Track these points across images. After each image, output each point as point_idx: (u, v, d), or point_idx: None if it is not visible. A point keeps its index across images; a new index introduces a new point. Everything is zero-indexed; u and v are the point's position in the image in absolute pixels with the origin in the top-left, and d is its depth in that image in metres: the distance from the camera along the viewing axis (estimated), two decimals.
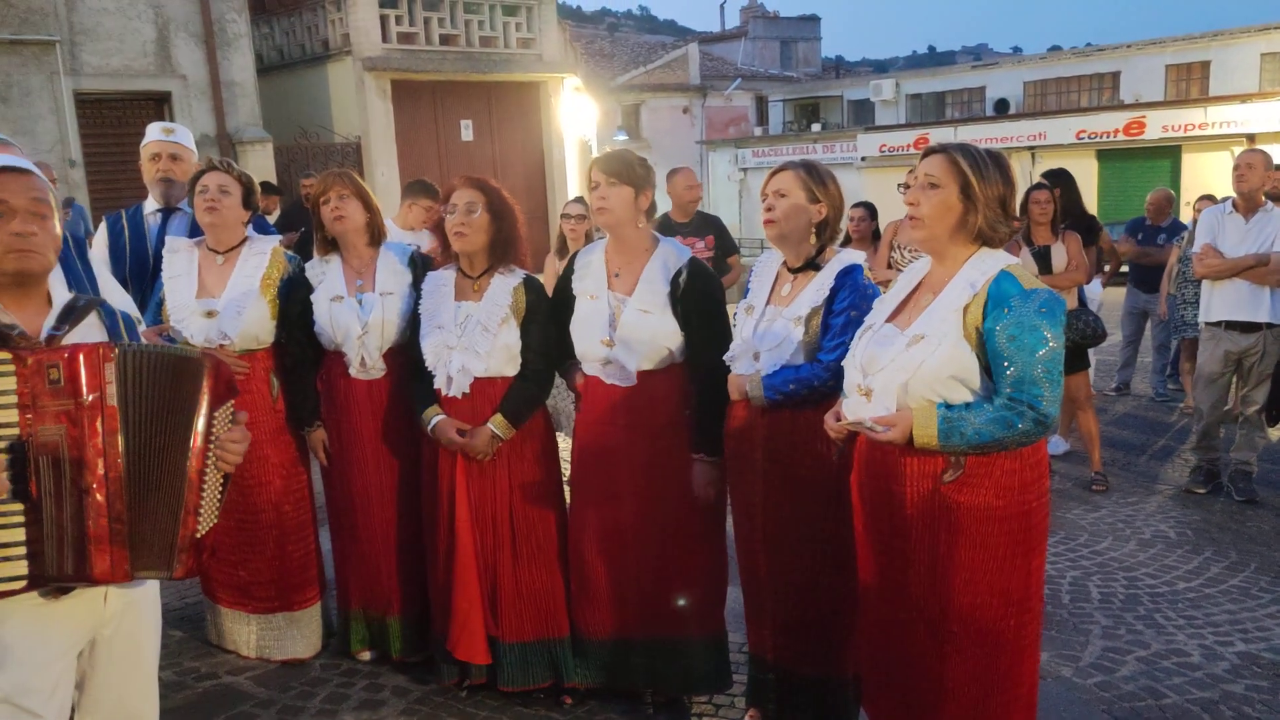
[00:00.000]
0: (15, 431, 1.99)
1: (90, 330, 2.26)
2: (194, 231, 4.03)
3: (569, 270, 3.51)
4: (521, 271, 3.50)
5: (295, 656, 3.94)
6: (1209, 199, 8.40)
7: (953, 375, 2.42)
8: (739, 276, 3.76)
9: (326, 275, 3.71)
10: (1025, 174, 20.65)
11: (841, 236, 3.72)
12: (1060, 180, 6.50)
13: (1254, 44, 23.97)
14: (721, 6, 44.71)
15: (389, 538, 3.75)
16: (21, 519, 2.00)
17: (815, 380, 2.94)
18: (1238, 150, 14.38)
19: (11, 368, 1.99)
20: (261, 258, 3.80)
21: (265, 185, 10.22)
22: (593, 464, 3.39)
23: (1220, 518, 5.45)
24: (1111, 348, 8.90)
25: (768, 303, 3.15)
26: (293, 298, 3.74)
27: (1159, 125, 21.46)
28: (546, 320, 3.45)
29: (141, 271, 4.06)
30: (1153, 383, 8.56)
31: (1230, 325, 5.60)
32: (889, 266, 6.30)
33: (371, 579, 3.80)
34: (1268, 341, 5.51)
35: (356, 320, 3.60)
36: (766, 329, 3.07)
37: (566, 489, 3.59)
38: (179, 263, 3.78)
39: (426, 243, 5.81)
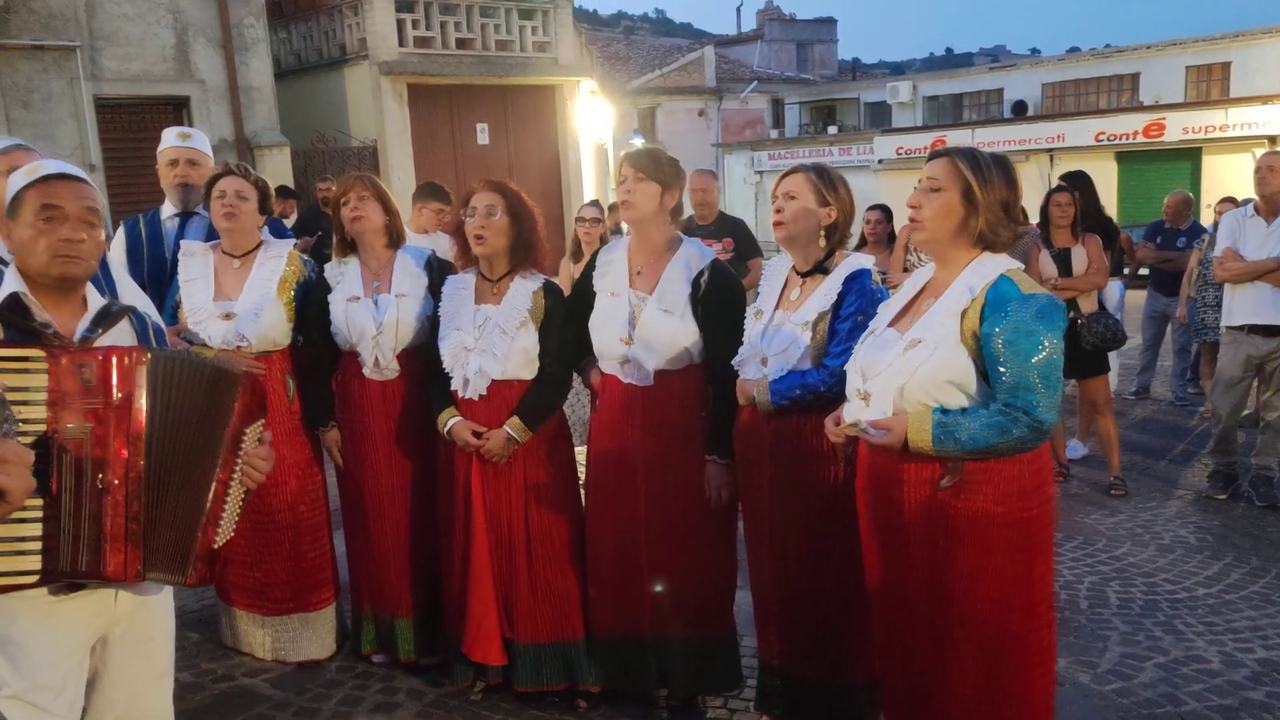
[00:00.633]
0: (42, 428, 2.02)
1: (121, 335, 2.31)
2: (210, 235, 4.06)
3: (590, 267, 3.51)
4: (541, 275, 3.51)
5: (310, 658, 3.95)
6: (1230, 201, 8.33)
7: (949, 380, 2.41)
8: (757, 279, 3.76)
9: (344, 276, 3.73)
10: (1044, 177, 20.55)
11: (855, 240, 3.71)
12: (1079, 183, 6.46)
13: (1275, 45, 23.76)
14: (738, 9, 44.78)
15: (399, 538, 3.76)
16: (39, 514, 2.02)
17: (821, 385, 2.93)
18: (1259, 152, 14.28)
19: (44, 365, 2.03)
20: (278, 261, 3.83)
21: (283, 189, 10.29)
22: (608, 463, 3.39)
23: (1241, 523, 5.40)
24: (1131, 351, 8.83)
25: (776, 307, 3.14)
26: (310, 299, 3.77)
27: (1179, 127, 21.30)
28: (564, 325, 3.45)
29: (159, 275, 4.09)
30: (1172, 386, 8.50)
31: (1252, 329, 5.54)
32: (904, 270, 6.29)
33: (380, 579, 3.82)
34: None
35: (371, 321, 3.62)
36: (774, 334, 3.06)
37: (582, 493, 3.59)
38: (195, 266, 3.81)
39: (442, 245, 5.84)
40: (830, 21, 43.80)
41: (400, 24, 15.57)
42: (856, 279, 3.00)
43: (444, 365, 3.45)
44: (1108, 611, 4.32)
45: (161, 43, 12.97)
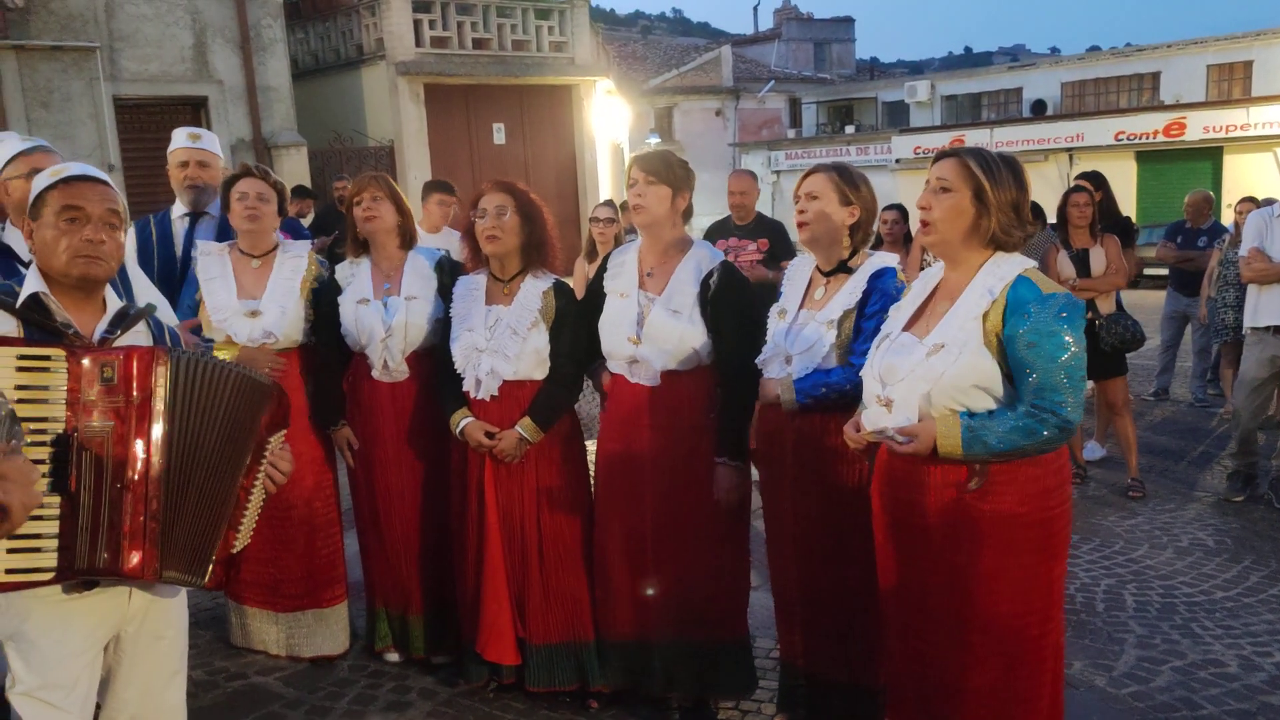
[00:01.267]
0: (61, 426, 2.04)
1: (139, 337, 2.33)
2: (221, 236, 4.08)
3: (602, 269, 3.51)
4: (552, 275, 3.51)
5: (323, 654, 3.97)
6: (1250, 201, 8.25)
7: (975, 384, 2.39)
8: None
9: (355, 277, 3.75)
10: (1063, 177, 20.43)
11: (873, 239, 3.69)
12: (1096, 183, 6.41)
13: None
14: (755, 8, 44.69)
15: (410, 537, 3.77)
16: (57, 511, 2.04)
17: (846, 384, 2.92)
18: None
19: (64, 365, 2.05)
20: (299, 260, 3.89)
21: (300, 189, 10.33)
22: (617, 464, 3.38)
23: (1261, 525, 5.34)
24: (1150, 352, 8.76)
25: (800, 306, 3.13)
26: (322, 300, 3.78)
27: (1200, 126, 21.13)
28: (576, 324, 3.45)
29: (169, 275, 4.11)
30: (1192, 388, 8.42)
31: (1279, 330, 5.48)
32: (921, 269, 6.26)
33: (393, 577, 3.83)
34: None
35: (380, 323, 3.62)
36: (798, 333, 3.05)
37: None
38: (214, 265, 3.83)
39: (455, 244, 5.86)
40: (848, 21, 43.67)
41: (417, 24, 15.63)
42: (881, 278, 3.00)
43: (456, 366, 3.46)
44: (1124, 614, 4.28)
45: (180, 43, 13.06)
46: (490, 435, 3.37)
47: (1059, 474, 2.47)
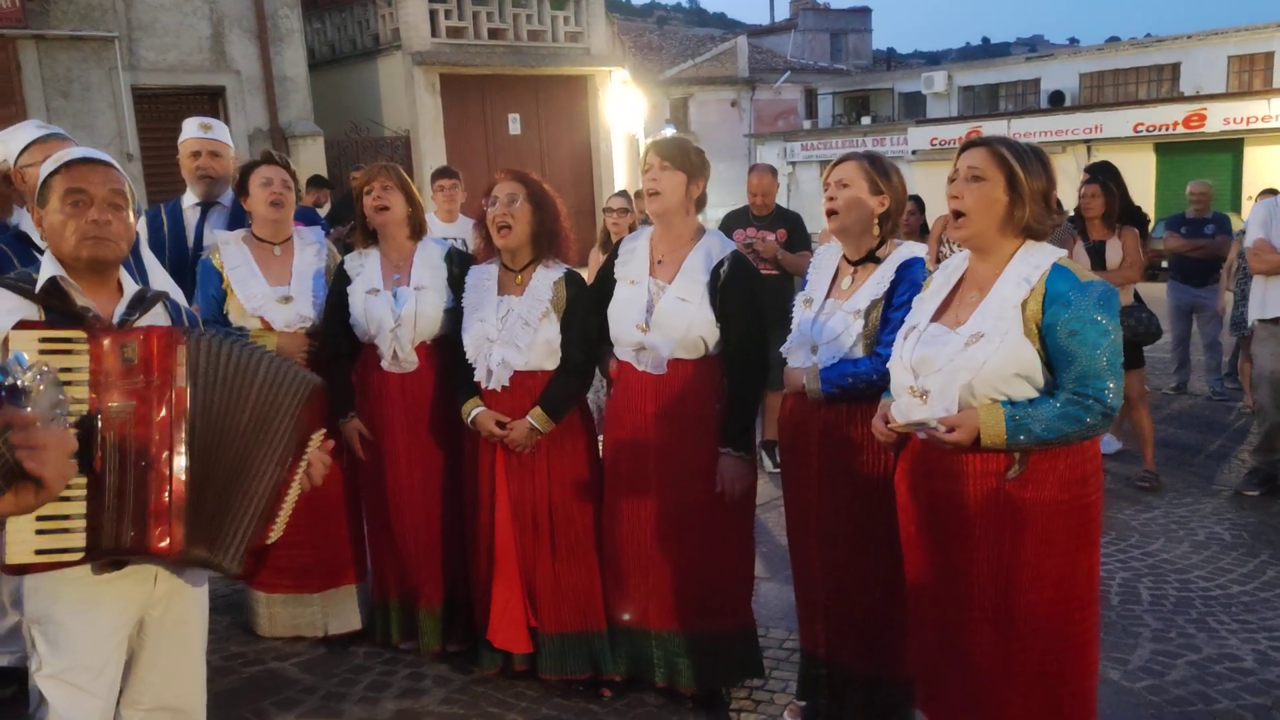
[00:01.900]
0: (85, 408, 2.05)
1: (156, 319, 2.35)
2: (233, 225, 4.10)
3: (613, 255, 3.51)
4: (563, 265, 3.51)
5: (335, 633, 4.01)
6: (1271, 193, 8.18)
7: (1017, 372, 2.38)
8: (802, 269, 3.83)
9: (365, 268, 3.75)
10: (1081, 168, 20.24)
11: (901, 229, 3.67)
12: (1105, 174, 6.38)
13: None
14: None
15: (419, 529, 3.78)
16: (83, 492, 2.05)
17: (873, 374, 2.91)
18: None
19: (85, 347, 2.06)
20: (321, 247, 3.93)
21: (317, 179, 10.36)
22: (622, 451, 3.39)
23: (1279, 520, 5.30)
24: (1164, 345, 8.69)
25: (827, 296, 3.12)
26: (332, 289, 3.80)
27: (1220, 118, 20.92)
28: (587, 315, 3.45)
29: (180, 265, 4.13)
30: (1209, 381, 8.35)
31: None
32: (938, 261, 6.23)
33: (403, 569, 3.84)
34: None
35: (390, 313, 3.63)
36: (825, 322, 3.04)
37: None
38: (236, 254, 3.83)
39: (468, 233, 5.87)
40: (865, 11, 43.42)
41: (433, 14, 15.64)
42: (909, 268, 2.99)
43: (467, 356, 3.46)
44: (1140, 608, 4.27)
45: (198, 33, 13.11)
46: (501, 425, 3.38)
47: (1094, 460, 2.49)
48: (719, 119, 30.82)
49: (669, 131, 21.23)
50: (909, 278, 2.96)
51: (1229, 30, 25.41)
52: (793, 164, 29.44)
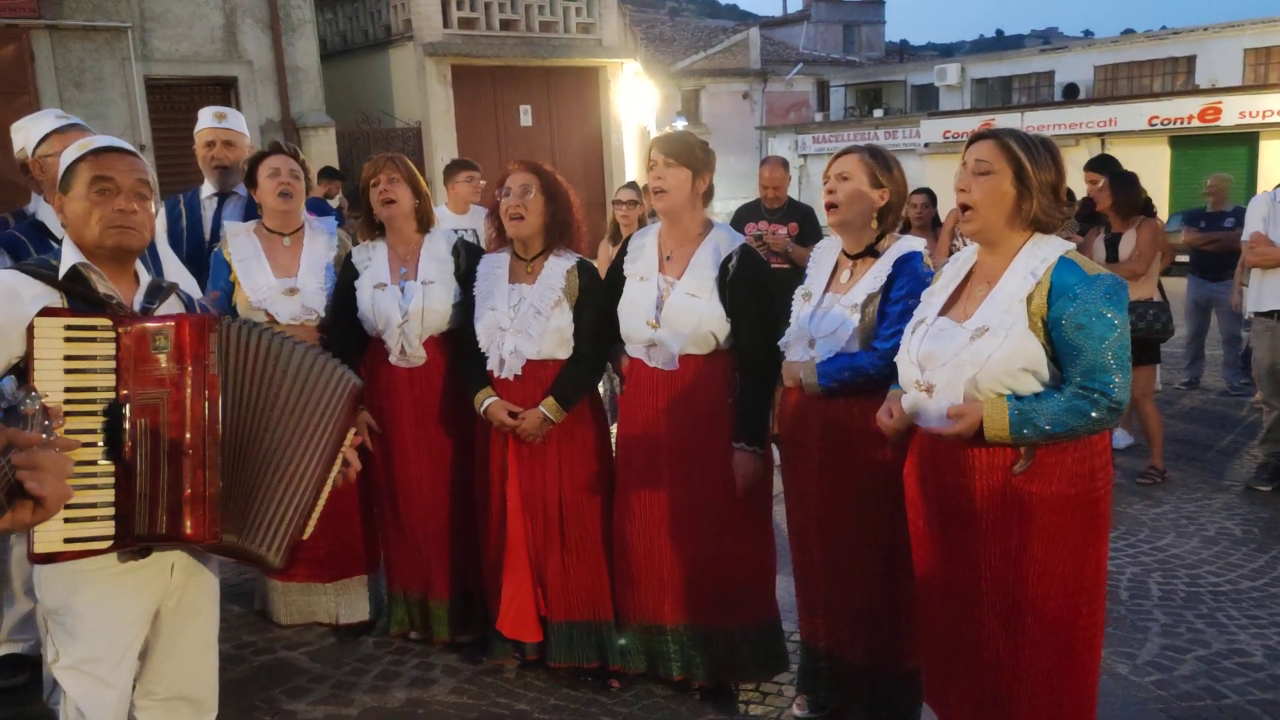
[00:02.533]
0: (111, 395, 2.06)
1: (172, 308, 2.36)
2: (248, 215, 4.11)
3: (622, 251, 3.51)
4: (575, 255, 3.51)
5: (352, 620, 4.03)
6: None
7: (1022, 366, 2.37)
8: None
9: (372, 261, 3.75)
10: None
11: (902, 224, 3.67)
12: (1107, 167, 6.36)
13: None
14: None
15: (428, 523, 3.80)
16: (112, 480, 2.07)
17: (870, 368, 2.91)
18: None
19: (111, 334, 2.07)
20: (331, 238, 3.92)
21: (328, 170, 10.38)
22: (635, 447, 3.39)
23: None
24: (1178, 340, 8.65)
25: (826, 289, 3.12)
26: (339, 282, 3.80)
27: (1236, 111, 20.76)
28: (599, 304, 3.45)
29: (197, 255, 4.15)
30: (1225, 376, 8.30)
31: None
32: (950, 254, 6.21)
33: (411, 562, 3.86)
34: None
35: (397, 308, 3.63)
36: (823, 316, 3.04)
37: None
38: (244, 245, 3.85)
39: (481, 226, 5.86)
40: (878, 2, 43.22)
41: (445, 5, 15.61)
42: (907, 261, 2.98)
43: (480, 345, 3.47)
44: (1149, 603, 4.26)
45: (210, 24, 13.12)
46: (513, 415, 3.39)
47: (1103, 454, 2.48)
48: (731, 111, 30.75)
49: (680, 124, 21.18)
50: (906, 271, 2.96)
51: (1245, 23, 25.21)
52: (804, 156, 29.35)
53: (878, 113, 31.43)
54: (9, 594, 3.71)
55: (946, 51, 62.31)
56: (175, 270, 3.43)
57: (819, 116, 33.05)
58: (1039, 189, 2.42)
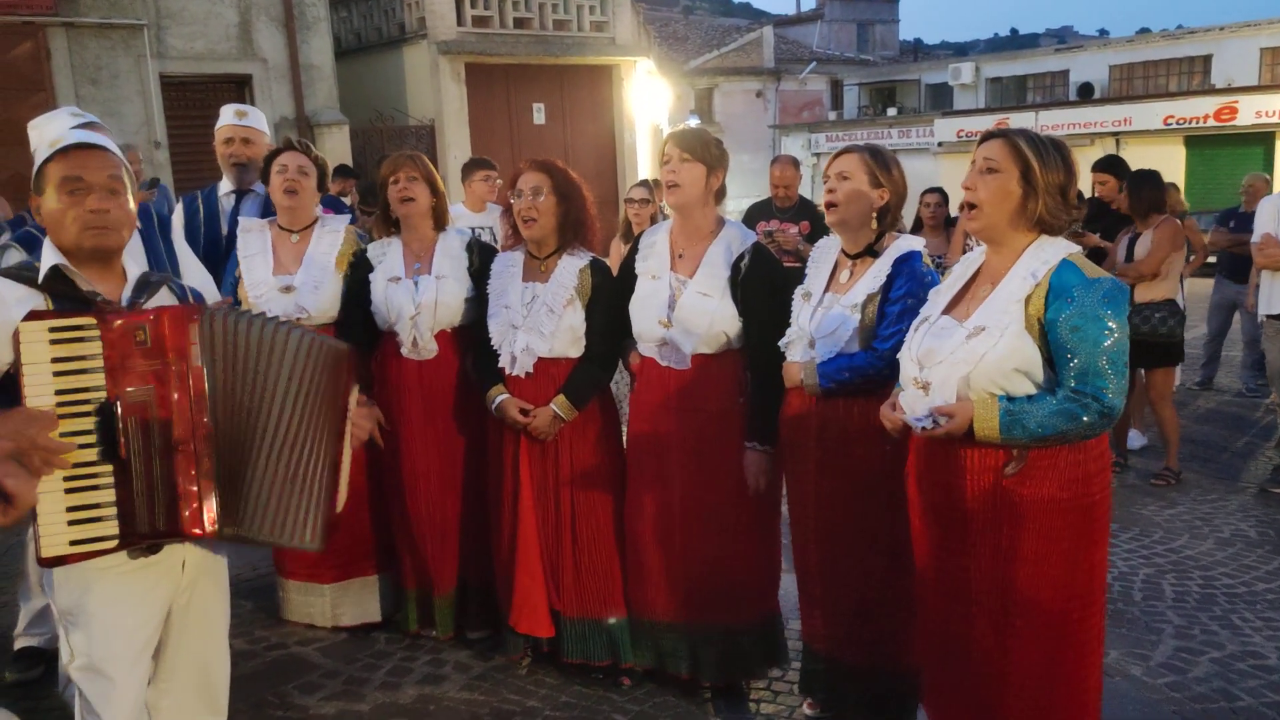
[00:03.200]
0: (102, 395, 2.05)
1: (163, 303, 2.32)
2: (266, 212, 4.12)
3: (633, 250, 3.51)
4: (589, 254, 3.52)
5: (358, 622, 4.04)
6: None
7: (1016, 368, 2.37)
8: None
9: (387, 256, 3.77)
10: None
11: (907, 222, 3.66)
12: (1115, 167, 6.32)
13: None
14: None
15: (435, 518, 3.80)
16: (111, 479, 2.06)
17: (870, 369, 2.90)
18: None
19: (97, 333, 2.05)
20: (336, 236, 3.91)
21: (342, 168, 10.40)
22: (646, 446, 3.39)
23: None
24: (1194, 340, 8.61)
25: (825, 289, 3.11)
26: (353, 277, 3.81)
27: (1252, 111, 20.63)
28: (611, 303, 3.45)
29: (215, 251, 4.17)
30: (1242, 378, 8.24)
31: None
32: (964, 253, 6.19)
33: (419, 558, 3.87)
34: None
35: (410, 301, 3.65)
36: (823, 316, 3.04)
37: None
38: (254, 241, 3.87)
39: (497, 225, 5.86)
40: (892, 1, 43.09)
41: (459, 3, 15.64)
42: (906, 261, 2.97)
43: (492, 342, 3.48)
44: (1162, 604, 4.24)
45: (225, 21, 13.17)
46: (525, 412, 3.40)
47: (1099, 459, 2.45)
48: (744, 109, 30.70)
49: (693, 122, 21.18)
50: (905, 271, 2.95)
51: (1262, 22, 25.04)
52: (817, 155, 29.27)
53: (891, 112, 31.33)
54: (25, 588, 3.74)
55: (961, 50, 62.09)
56: (191, 267, 3.45)
57: (832, 115, 32.96)
58: (1045, 190, 2.41)
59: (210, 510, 2.14)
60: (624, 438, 3.63)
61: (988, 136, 2.51)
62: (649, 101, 17.74)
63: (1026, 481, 2.39)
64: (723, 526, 3.31)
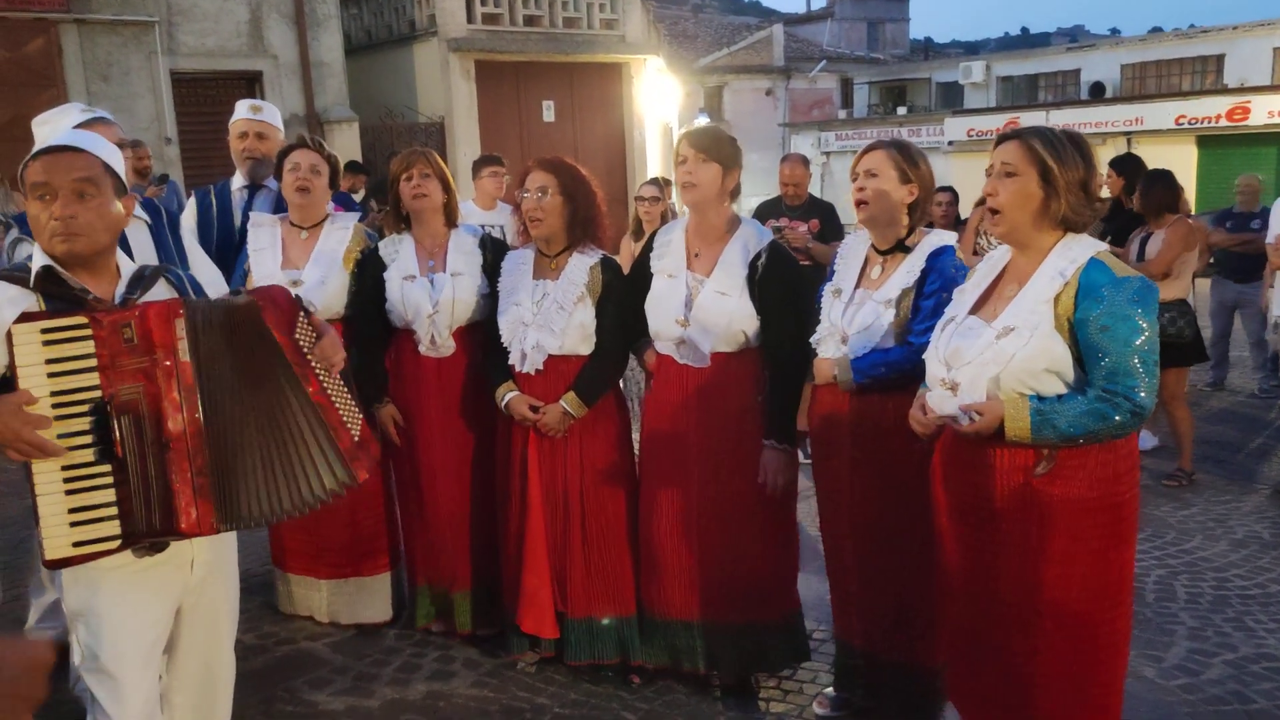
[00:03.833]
0: (97, 394, 2.04)
1: (160, 297, 2.28)
2: (278, 208, 4.12)
3: (648, 248, 3.50)
4: (599, 251, 3.51)
5: (366, 621, 4.04)
6: None
7: (1046, 367, 2.35)
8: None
9: (399, 254, 3.76)
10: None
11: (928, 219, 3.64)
12: (1129, 166, 6.29)
13: None
14: None
15: (454, 514, 3.80)
16: (110, 479, 2.05)
17: (905, 364, 2.89)
18: None
19: (89, 331, 2.04)
20: (344, 232, 3.91)
21: (352, 164, 10.42)
22: (662, 444, 3.38)
23: None
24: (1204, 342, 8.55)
25: (857, 286, 3.10)
26: (364, 274, 3.80)
27: (1265, 111, 20.50)
28: (622, 300, 3.44)
29: (228, 246, 4.17)
30: (1255, 380, 8.19)
31: None
32: (974, 253, 6.17)
33: (437, 554, 3.86)
34: None
35: (428, 299, 3.64)
36: (855, 312, 3.02)
37: (637, 471, 3.59)
38: (263, 236, 3.88)
39: (509, 220, 5.85)
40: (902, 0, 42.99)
41: (469, 1, 15.64)
42: (940, 256, 2.97)
43: (502, 339, 3.47)
44: (1175, 605, 4.21)
45: (236, 18, 13.21)
46: (534, 409, 3.39)
47: (1129, 458, 2.43)
48: (754, 108, 30.65)
49: (703, 120, 21.15)
50: (939, 266, 2.94)
51: (1275, 22, 24.89)
52: (827, 154, 29.22)
53: (901, 110, 31.26)
54: (36, 582, 3.75)
55: (971, 49, 61.92)
56: (200, 263, 3.44)
57: (842, 114, 32.88)
58: (1066, 188, 2.38)
59: (206, 508, 2.12)
60: (634, 436, 3.62)
61: (1004, 138, 2.48)
62: (658, 99, 17.72)
63: (1056, 481, 2.37)
64: (740, 524, 3.30)
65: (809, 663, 3.63)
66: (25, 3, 11.52)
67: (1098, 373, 2.31)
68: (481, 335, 3.68)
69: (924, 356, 2.64)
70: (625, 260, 5.63)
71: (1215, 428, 7.10)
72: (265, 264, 3.81)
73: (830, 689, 3.41)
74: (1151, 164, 6.40)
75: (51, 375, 2.00)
